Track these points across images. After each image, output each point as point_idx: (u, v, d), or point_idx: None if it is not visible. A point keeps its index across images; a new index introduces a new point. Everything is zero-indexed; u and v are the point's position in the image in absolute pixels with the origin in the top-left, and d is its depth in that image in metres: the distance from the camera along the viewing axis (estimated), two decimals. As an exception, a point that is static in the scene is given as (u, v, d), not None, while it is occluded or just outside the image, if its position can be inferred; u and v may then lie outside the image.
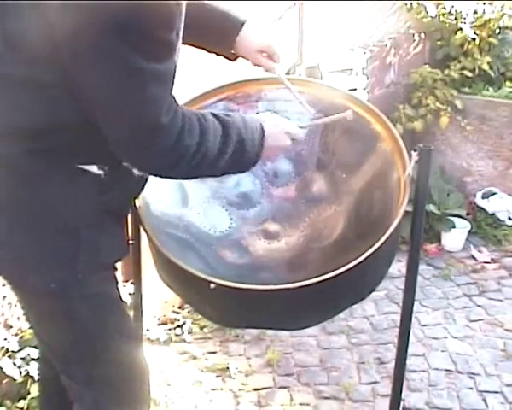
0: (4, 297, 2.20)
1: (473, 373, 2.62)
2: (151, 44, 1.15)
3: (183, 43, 1.29)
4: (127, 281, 2.56)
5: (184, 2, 1.22)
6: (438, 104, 3.84)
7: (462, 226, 3.65)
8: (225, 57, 1.64)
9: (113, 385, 1.50)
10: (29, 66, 1.21)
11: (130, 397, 1.53)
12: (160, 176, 1.39)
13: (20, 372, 2.14)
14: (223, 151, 1.34)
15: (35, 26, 1.17)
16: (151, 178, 1.63)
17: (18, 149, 1.27)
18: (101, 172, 1.33)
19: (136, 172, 1.40)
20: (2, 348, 2.16)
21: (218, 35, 1.58)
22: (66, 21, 1.13)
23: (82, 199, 1.32)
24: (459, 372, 2.63)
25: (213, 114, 1.35)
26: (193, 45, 1.58)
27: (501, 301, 3.15)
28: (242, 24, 1.60)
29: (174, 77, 1.27)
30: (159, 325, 2.82)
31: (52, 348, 1.53)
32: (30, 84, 1.23)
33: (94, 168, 1.32)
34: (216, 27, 1.57)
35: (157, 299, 2.76)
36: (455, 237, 3.62)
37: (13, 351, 2.17)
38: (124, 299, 1.52)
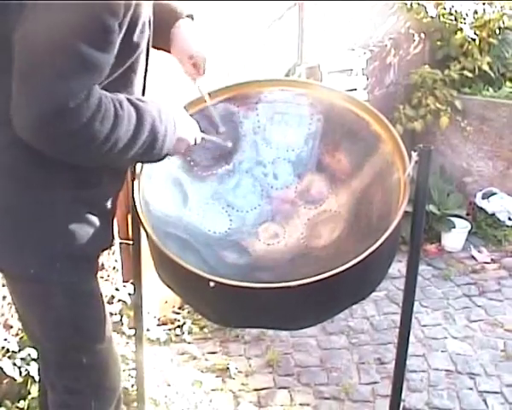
0: (4, 297, 2.20)
1: (473, 373, 2.62)
2: (91, 27, 1.16)
3: None
4: (127, 281, 2.56)
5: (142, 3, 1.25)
6: (438, 105, 3.84)
7: (462, 227, 3.65)
8: (164, 50, 1.64)
9: (85, 373, 1.54)
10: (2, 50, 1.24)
11: (101, 384, 1.57)
12: (69, 157, 1.33)
13: (20, 373, 2.14)
14: (134, 140, 1.33)
15: None
16: (152, 179, 1.64)
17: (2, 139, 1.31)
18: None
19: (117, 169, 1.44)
20: (3, 348, 2.16)
21: (156, 23, 1.49)
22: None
23: (61, 190, 1.36)
24: (459, 373, 2.63)
25: (130, 101, 1.33)
26: None
27: (501, 301, 3.15)
28: (179, 17, 1.60)
29: (104, 73, 1.25)
30: (159, 325, 2.82)
31: (30, 331, 1.59)
32: (6, 71, 1.24)
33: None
34: (155, 15, 1.49)
35: (157, 299, 2.77)
36: (455, 238, 3.63)
37: (13, 351, 2.17)
38: (100, 291, 1.56)
